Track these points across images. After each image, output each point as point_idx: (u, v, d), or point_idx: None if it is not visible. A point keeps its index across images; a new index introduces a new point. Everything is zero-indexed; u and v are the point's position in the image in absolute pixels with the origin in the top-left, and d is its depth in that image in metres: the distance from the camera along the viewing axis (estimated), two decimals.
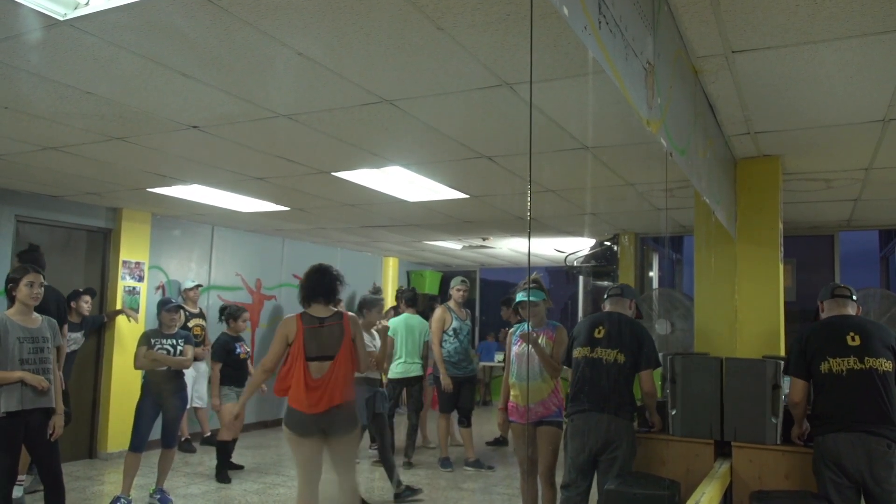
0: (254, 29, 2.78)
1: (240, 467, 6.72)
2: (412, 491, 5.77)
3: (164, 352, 5.44)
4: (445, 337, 6.87)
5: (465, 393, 6.97)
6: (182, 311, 5.79)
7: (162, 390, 5.40)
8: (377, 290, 5.87)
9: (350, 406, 4.18)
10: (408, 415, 7.21)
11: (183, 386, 5.61)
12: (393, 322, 7.27)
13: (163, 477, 5.55)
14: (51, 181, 5.99)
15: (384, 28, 2.75)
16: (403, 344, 7.16)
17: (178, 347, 5.50)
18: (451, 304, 7.05)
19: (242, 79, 3.37)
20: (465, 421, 6.99)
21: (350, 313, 4.33)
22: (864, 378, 3.50)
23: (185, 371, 5.69)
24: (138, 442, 5.34)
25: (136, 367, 5.53)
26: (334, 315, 4.19)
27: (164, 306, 5.66)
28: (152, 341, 5.44)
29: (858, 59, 3.06)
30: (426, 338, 7.35)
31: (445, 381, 6.76)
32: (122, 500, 5.30)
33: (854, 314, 3.79)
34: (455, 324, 6.93)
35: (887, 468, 3.37)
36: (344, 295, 6.25)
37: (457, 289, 7.06)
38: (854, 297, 3.84)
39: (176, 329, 5.63)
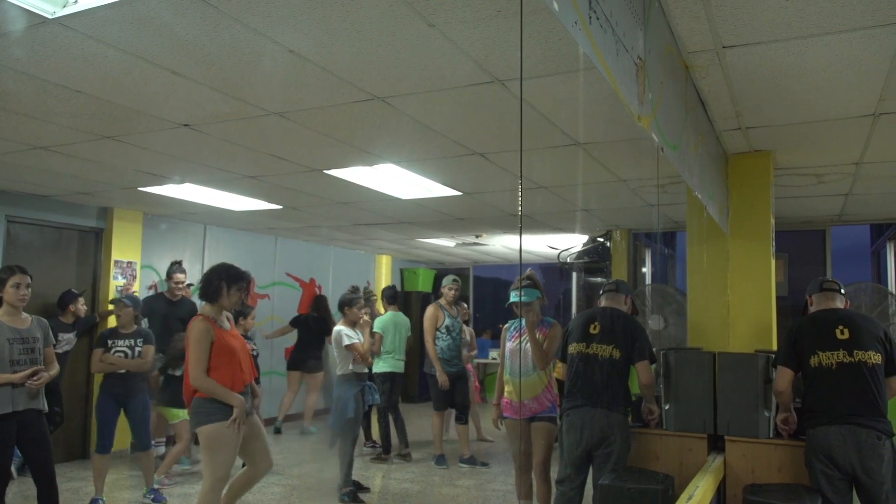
0: (243, 26, 2.77)
1: None
2: (355, 497, 5.62)
3: (122, 354, 5.27)
4: (438, 334, 6.91)
5: (459, 389, 7.00)
6: (133, 307, 5.64)
7: (122, 393, 5.27)
8: (355, 290, 5.97)
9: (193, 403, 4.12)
10: (390, 408, 7.27)
11: (145, 388, 5.48)
12: (381, 320, 7.37)
13: (149, 477, 5.51)
14: (41, 181, 5.96)
15: (374, 24, 2.75)
16: (392, 341, 7.26)
17: (137, 348, 5.35)
18: (443, 301, 7.08)
19: (233, 76, 3.36)
20: (463, 418, 7.01)
21: (197, 317, 4.15)
22: (853, 371, 3.53)
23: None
24: (103, 443, 5.23)
25: (93, 371, 5.30)
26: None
27: (123, 303, 5.43)
28: (109, 343, 5.27)
29: (848, 53, 3.07)
30: (409, 334, 7.51)
31: (442, 378, 6.77)
32: (101, 501, 5.28)
33: (842, 308, 3.81)
34: (447, 321, 6.96)
35: (878, 460, 3.40)
36: (337, 294, 6.28)
37: (448, 287, 7.10)
38: (842, 291, 3.87)
39: (134, 327, 5.43)
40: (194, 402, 4.06)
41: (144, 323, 6.80)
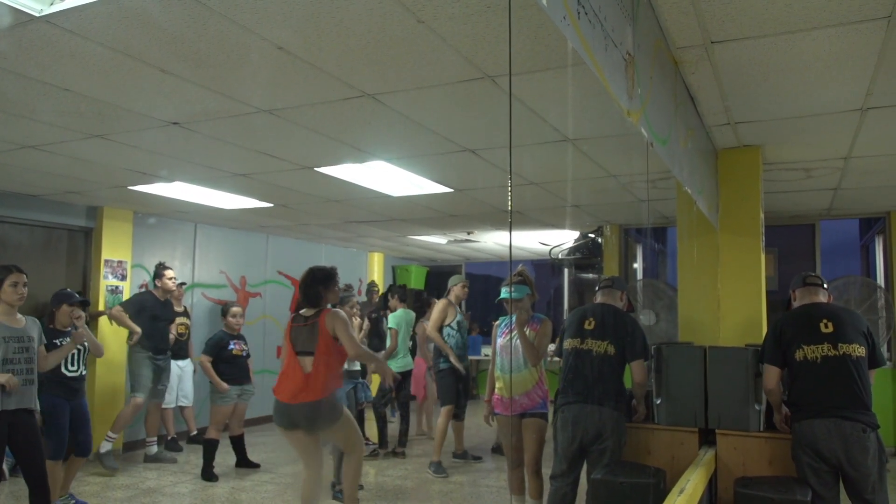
0: (231, 22, 2.76)
1: (256, 465, 6.71)
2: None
3: (77, 351, 5.15)
4: (449, 331, 6.77)
5: (462, 386, 6.97)
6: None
7: (71, 395, 5.12)
8: (348, 287, 5.95)
9: (316, 406, 4.29)
10: (399, 405, 7.27)
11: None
12: (395, 316, 7.33)
13: (69, 483, 5.37)
14: (30, 180, 5.92)
15: (363, 20, 2.74)
16: (403, 339, 7.26)
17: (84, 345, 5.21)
18: (453, 299, 6.96)
19: (222, 74, 3.34)
20: (461, 414, 6.97)
21: (329, 310, 4.36)
22: (838, 364, 3.56)
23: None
24: (63, 448, 5.04)
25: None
26: (315, 314, 4.38)
27: (69, 300, 5.16)
28: (58, 342, 4.99)
29: (835, 48, 3.09)
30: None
31: (460, 366, 6.68)
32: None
33: (826, 302, 3.84)
34: (458, 317, 6.88)
35: (863, 452, 3.42)
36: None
37: (462, 285, 6.93)
38: (825, 286, 3.90)
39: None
40: (319, 404, 4.25)
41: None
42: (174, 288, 7.16)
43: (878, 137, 4.50)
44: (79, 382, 5.18)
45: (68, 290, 5.46)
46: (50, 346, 4.90)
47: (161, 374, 6.92)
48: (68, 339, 5.02)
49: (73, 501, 5.36)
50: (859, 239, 9.14)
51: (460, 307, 7.15)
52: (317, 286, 4.39)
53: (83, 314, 5.34)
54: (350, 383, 5.69)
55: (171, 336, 7.21)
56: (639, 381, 4.08)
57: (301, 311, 4.46)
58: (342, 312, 4.37)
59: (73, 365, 5.12)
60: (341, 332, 4.25)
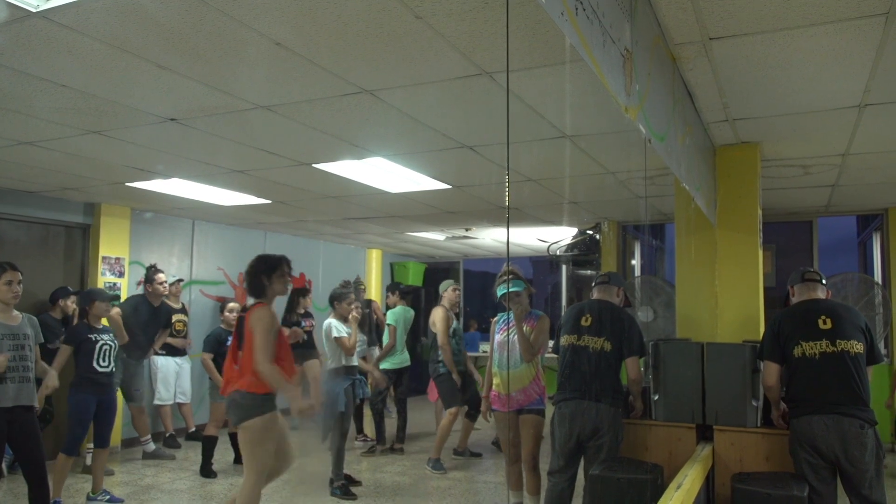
0: (229, 18, 2.75)
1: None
2: (347, 490, 5.64)
3: (108, 347, 5.18)
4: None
5: (468, 387, 6.93)
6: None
7: (101, 391, 5.14)
8: (346, 284, 5.94)
9: (233, 396, 4.01)
10: (396, 402, 7.28)
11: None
12: (394, 313, 7.35)
13: (101, 478, 5.40)
14: (27, 177, 5.90)
15: (361, 16, 2.74)
16: (401, 335, 7.29)
17: (115, 340, 5.27)
18: (447, 304, 6.92)
19: (219, 70, 3.34)
20: (475, 414, 6.91)
21: (261, 305, 4.07)
22: (836, 361, 3.56)
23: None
24: (78, 445, 5.12)
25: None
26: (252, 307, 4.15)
27: (101, 297, 5.26)
28: (92, 337, 5.11)
29: (833, 44, 3.08)
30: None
31: (458, 378, 6.67)
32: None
33: (824, 298, 3.85)
34: (455, 324, 6.85)
35: (861, 448, 3.44)
36: (327, 288, 6.31)
37: (453, 288, 6.90)
38: (823, 282, 3.90)
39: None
40: (236, 394, 3.95)
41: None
42: (165, 292, 7.14)
43: (875, 134, 4.51)
44: (109, 378, 5.20)
45: (67, 288, 5.49)
46: (85, 343, 5.03)
47: (133, 379, 6.81)
48: (110, 335, 5.18)
49: (108, 497, 5.35)
50: (857, 236, 9.14)
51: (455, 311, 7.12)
52: (261, 276, 4.12)
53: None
54: (348, 379, 5.69)
55: (154, 347, 7.20)
56: (634, 377, 4.10)
57: (248, 303, 4.22)
58: (267, 314, 3.99)
59: (104, 361, 5.13)
60: (255, 337, 3.88)
